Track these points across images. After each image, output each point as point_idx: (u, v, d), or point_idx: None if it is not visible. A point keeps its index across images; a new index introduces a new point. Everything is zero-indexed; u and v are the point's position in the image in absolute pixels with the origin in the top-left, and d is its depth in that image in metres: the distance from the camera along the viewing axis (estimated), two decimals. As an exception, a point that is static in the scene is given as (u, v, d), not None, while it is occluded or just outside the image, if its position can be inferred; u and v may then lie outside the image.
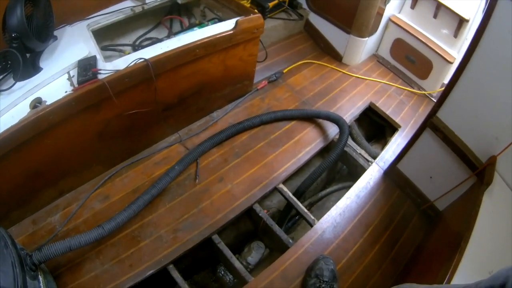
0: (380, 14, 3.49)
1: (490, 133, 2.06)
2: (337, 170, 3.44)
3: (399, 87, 3.68)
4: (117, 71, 1.92)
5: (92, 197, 2.21)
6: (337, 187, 3.08)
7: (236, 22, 2.39)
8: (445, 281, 1.58)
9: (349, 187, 2.76)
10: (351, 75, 3.61)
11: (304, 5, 3.82)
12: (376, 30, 3.64)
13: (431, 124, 2.30)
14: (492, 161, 2.05)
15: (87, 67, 1.93)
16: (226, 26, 2.39)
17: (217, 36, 2.30)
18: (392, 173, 2.82)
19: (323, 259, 2.18)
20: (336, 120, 2.87)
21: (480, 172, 2.11)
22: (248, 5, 3.11)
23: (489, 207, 1.89)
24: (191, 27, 2.69)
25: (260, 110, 2.93)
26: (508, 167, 2.02)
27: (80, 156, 2.11)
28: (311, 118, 2.99)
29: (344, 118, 2.98)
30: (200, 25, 2.65)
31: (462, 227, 1.85)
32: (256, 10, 3.11)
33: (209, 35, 2.28)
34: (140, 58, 1.98)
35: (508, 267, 1.08)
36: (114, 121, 2.10)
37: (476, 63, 1.93)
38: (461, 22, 3.38)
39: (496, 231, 1.86)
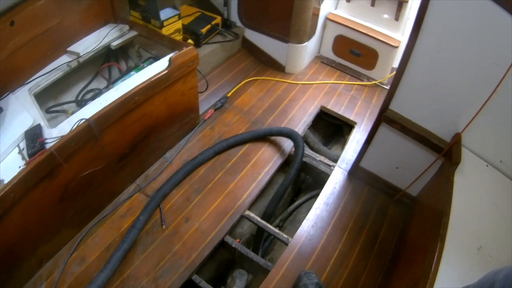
0: (316, 15, 3.69)
1: (450, 112, 2.19)
2: (301, 180, 3.62)
3: (348, 83, 3.93)
4: (62, 137, 2.04)
5: (70, 262, 2.29)
6: (305, 198, 3.26)
7: (170, 59, 2.51)
8: (434, 262, 1.67)
9: (317, 195, 2.93)
10: (297, 83, 3.83)
11: (238, 23, 4.01)
12: (314, 32, 3.86)
13: (385, 118, 2.44)
14: (457, 139, 2.19)
15: (33, 137, 2.05)
16: (161, 65, 2.52)
17: (154, 78, 2.41)
18: (357, 172, 3.01)
19: (305, 275, 2.30)
20: (289, 135, 3.06)
21: (447, 152, 2.24)
22: (181, 36, 3.28)
23: (463, 185, 2.01)
24: (128, 71, 2.83)
25: (212, 140, 3.09)
26: (475, 139, 2.17)
27: (48, 224, 2.20)
28: (264, 137, 3.17)
29: (297, 128, 3.21)
30: (137, 68, 2.79)
31: (440, 208, 1.95)
32: (190, 40, 3.35)
33: (146, 78, 2.39)
34: (82, 119, 2.09)
35: (493, 271, 1.10)
36: (72, 184, 2.21)
37: (423, 42, 2.03)
38: (401, 3, 3.61)
39: (476, 206, 1.97)
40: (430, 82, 2.18)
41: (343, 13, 4.02)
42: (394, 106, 2.40)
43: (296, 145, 3.01)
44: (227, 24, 3.95)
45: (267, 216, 2.81)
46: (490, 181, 2.14)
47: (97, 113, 2.15)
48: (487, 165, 2.20)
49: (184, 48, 2.62)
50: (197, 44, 3.56)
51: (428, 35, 1.99)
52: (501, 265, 1.65)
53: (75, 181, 2.21)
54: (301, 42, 3.73)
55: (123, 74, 2.83)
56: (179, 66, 2.57)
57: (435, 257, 1.70)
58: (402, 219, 2.81)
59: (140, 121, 2.52)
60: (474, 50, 1.92)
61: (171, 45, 2.81)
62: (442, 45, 2.00)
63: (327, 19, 3.98)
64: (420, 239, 2.23)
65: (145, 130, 2.62)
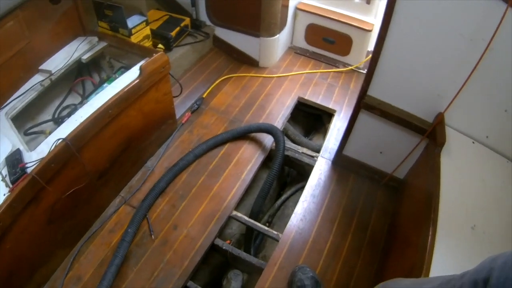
0: (285, 6, 3.75)
1: (431, 92, 2.26)
2: (285, 174, 3.70)
3: (324, 71, 4.02)
4: (42, 159, 2.07)
5: (67, 283, 2.33)
6: (291, 191, 3.33)
7: (140, 68, 2.53)
8: (428, 246, 1.72)
9: (303, 187, 3.01)
10: (272, 77, 3.91)
11: (208, 22, 4.06)
12: (285, 24, 3.92)
13: (364, 105, 2.50)
14: (440, 119, 2.26)
15: (14, 163, 2.08)
16: (132, 74, 2.56)
17: (126, 89, 2.44)
18: (340, 161, 3.08)
19: (299, 270, 2.37)
20: (268, 130, 3.13)
21: (431, 133, 2.31)
22: (150, 42, 3.33)
23: (450, 165, 2.09)
24: (101, 84, 2.85)
25: (191, 144, 3.14)
26: (459, 117, 2.25)
27: (40, 247, 2.24)
28: (244, 135, 3.24)
29: (276, 122, 3.30)
30: (109, 79, 2.82)
31: (429, 190, 2.03)
32: (160, 45, 3.41)
33: (118, 89, 2.41)
34: (59, 139, 2.12)
35: (491, 258, 1.09)
36: (58, 205, 2.21)
37: (397, 24, 2.05)
38: None
39: (466, 184, 2.04)
40: (408, 64, 2.22)
41: (313, 1, 4.08)
42: (372, 92, 2.45)
43: (276, 140, 3.08)
44: (196, 25, 4.00)
45: (255, 213, 2.87)
46: (478, 158, 2.22)
47: (73, 131, 2.17)
48: (473, 142, 2.28)
49: (154, 54, 2.64)
50: (168, 48, 3.62)
51: (401, 16, 2.01)
52: (496, 241, 1.79)
53: (60, 202, 2.25)
54: (273, 35, 3.80)
55: (96, 87, 2.86)
56: (151, 73, 2.59)
57: (429, 241, 1.75)
58: (392, 203, 2.89)
59: (118, 134, 2.56)
60: (450, 27, 1.96)
61: (141, 52, 2.82)
62: (417, 25, 2.02)
63: (297, 9, 4.05)
64: (412, 223, 2.29)
65: (124, 142, 2.65)
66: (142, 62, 2.60)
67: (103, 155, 2.52)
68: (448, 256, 1.72)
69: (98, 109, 2.30)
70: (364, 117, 2.63)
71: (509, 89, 2.00)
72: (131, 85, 2.47)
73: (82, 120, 2.24)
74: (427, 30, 2.02)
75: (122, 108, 2.47)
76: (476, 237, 1.81)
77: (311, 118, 3.98)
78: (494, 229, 1.85)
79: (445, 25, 1.96)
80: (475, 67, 1.97)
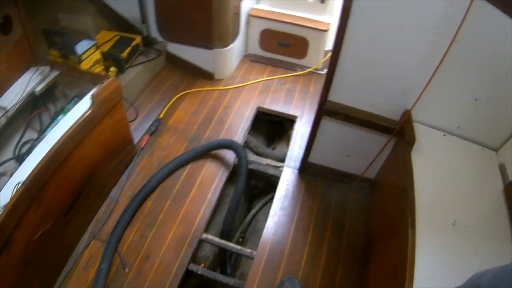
0: (237, 14, 3.80)
1: (396, 90, 2.30)
2: (252, 187, 3.71)
3: (282, 77, 4.09)
4: (5, 206, 2.04)
5: None
6: (260, 205, 3.37)
7: (92, 96, 2.51)
8: (409, 249, 1.73)
9: (272, 198, 3.05)
10: (229, 88, 3.95)
11: (160, 38, 4.07)
12: (238, 32, 3.97)
13: (326, 111, 2.53)
14: (407, 117, 2.32)
15: None
16: (85, 104, 2.52)
17: (79, 121, 2.40)
18: (307, 168, 3.13)
19: (287, 280, 2.41)
20: (229, 146, 3.18)
21: (399, 131, 2.36)
22: (102, 67, 3.32)
23: (423, 162, 2.13)
24: (56, 116, 2.82)
25: (153, 168, 3.11)
26: (428, 112, 2.31)
27: None
28: (205, 153, 3.24)
29: (236, 136, 3.36)
30: (63, 111, 2.79)
31: (403, 191, 2.05)
32: (112, 68, 3.46)
33: (72, 122, 2.38)
34: (18, 183, 2.09)
35: (478, 274, 1.11)
36: (29, 250, 2.20)
37: (356, 22, 2.03)
38: None
39: (441, 179, 2.09)
40: (369, 63, 2.23)
41: (266, 6, 4.14)
42: (333, 97, 2.47)
43: (238, 156, 3.12)
44: (148, 42, 4.03)
45: (226, 232, 2.88)
46: (450, 150, 2.29)
47: (31, 172, 2.14)
48: (444, 135, 2.36)
49: (104, 81, 2.62)
50: (121, 70, 3.63)
51: (359, 14, 2.00)
52: (480, 233, 1.86)
53: (30, 246, 2.24)
54: (226, 45, 3.84)
55: (52, 120, 2.83)
56: (103, 101, 2.58)
57: (409, 242, 1.76)
58: (365, 205, 2.96)
59: (77, 168, 2.54)
60: (412, 21, 1.97)
61: (92, 79, 2.76)
62: (377, 22, 2.03)
63: (250, 15, 4.10)
64: (389, 224, 2.35)
65: (85, 175, 2.64)
66: (93, 90, 2.57)
67: (66, 191, 2.49)
68: (433, 257, 1.75)
69: (54, 146, 2.27)
70: (327, 123, 2.67)
71: (478, 78, 2.08)
72: (84, 117, 2.45)
73: (39, 158, 2.20)
74: (388, 26, 2.03)
75: (78, 141, 2.45)
76: (459, 232, 1.86)
77: (272, 126, 4.03)
78: (476, 222, 1.91)
79: (407, 19, 1.97)
80: (441, 61, 2.00)
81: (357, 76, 2.32)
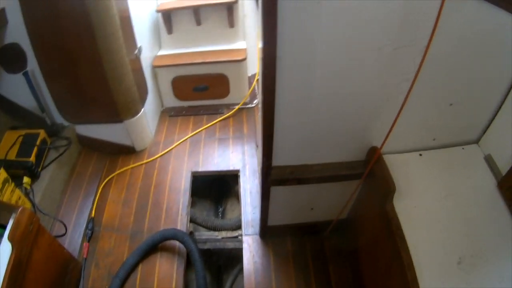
0: (137, 70, 3.44)
1: (356, 130, 2.07)
2: (217, 265, 3.37)
3: (209, 126, 3.81)
4: None
5: None
6: (230, 281, 3.07)
7: (8, 239, 2.24)
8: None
9: (240, 269, 2.85)
10: (155, 158, 3.63)
11: (65, 122, 3.69)
12: (146, 91, 3.65)
13: (273, 182, 2.28)
14: (377, 156, 2.10)
15: None
16: (5, 250, 2.23)
17: (8, 272, 2.14)
18: (269, 232, 2.89)
19: None
20: (173, 236, 2.91)
21: (370, 171, 2.16)
22: (12, 185, 2.92)
23: (408, 208, 1.96)
24: None
25: (104, 280, 2.83)
26: (397, 139, 2.07)
27: None
28: (153, 249, 2.96)
29: (178, 216, 3.11)
30: None
31: (390, 233, 1.91)
32: (25, 178, 3.12)
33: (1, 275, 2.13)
34: None
35: None
36: None
37: (286, 67, 1.67)
38: (230, 7, 3.52)
39: (431, 215, 1.93)
40: (314, 112, 1.93)
41: (170, 50, 3.90)
42: (278, 161, 2.18)
43: (185, 245, 2.85)
44: (54, 131, 3.66)
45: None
46: (432, 170, 2.14)
47: None
48: (420, 154, 2.18)
49: (14, 215, 2.34)
50: (34, 176, 3.28)
51: (287, 55, 1.63)
52: (493, 262, 1.72)
53: None
54: (136, 112, 3.49)
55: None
56: (22, 239, 2.30)
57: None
58: (345, 247, 2.78)
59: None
60: (363, 41, 1.65)
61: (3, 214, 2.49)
62: (311, 56, 1.67)
63: (154, 67, 3.81)
64: (381, 266, 2.18)
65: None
66: (7, 230, 2.30)
67: None
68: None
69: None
70: (278, 190, 2.40)
71: (452, 82, 1.89)
72: (10, 265, 2.18)
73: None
74: (327, 61, 1.69)
75: (17, 282, 2.20)
76: (467, 271, 1.71)
77: (215, 185, 3.74)
78: (483, 252, 1.76)
79: (357, 38, 1.63)
80: (412, 83, 1.73)
81: (302, 129, 2.03)
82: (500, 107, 2.01)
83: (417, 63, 1.65)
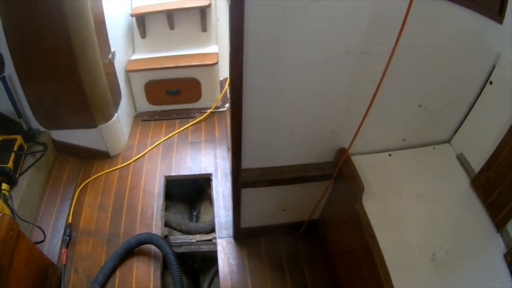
0: (112, 73, 3.48)
1: (324, 131, 2.14)
2: (193, 268, 3.43)
3: (181, 130, 3.86)
4: None
5: None
6: (207, 283, 3.13)
7: None
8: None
9: (216, 271, 2.90)
10: (128, 163, 3.67)
11: (41, 128, 3.70)
12: (120, 95, 3.69)
13: (243, 184, 2.34)
14: (345, 158, 2.15)
15: None
16: None
17: None
18: (242, 234, 2.96)
19: None
20: (148, 241, 2.97)
21: (339, 171, 2.22)
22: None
23: (378, 208, 2.02)
24: None
25: (82, 284, 2.87)
26: (365, 140, 2.16)
27: None
28: (129, 253, 3.01)
29: (153, 220, 3.17)
30: None
31: (361, 233, 1.96)
32: (4, 186, 3.11)
33: None
34: None
35: None
36: None
37: (252, 69, 1.74)
38: (204, 10, 3.60)
39: (403, 213, 2.00)
40: (282, 114, 2.01)
41: (143, 54, 3.92)
42: (248, 163, 2.27)
43: (161, 249, 2.93)
44: (30, 136, 3.66)
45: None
46: (402, 170, 2.21)
47: None
48: (390, 155, 2.26)
49: None
50: (12, 182, 3.27)
51: (254, 56, 1.70)
52: (466, 257, 1.81)
53: None
54: (110, 117, 3.53)
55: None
56: (1, 246, 2.27)
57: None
58: (318, 246, 2.86)
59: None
60: (330, 44, 1.72)
61: None
62: (277, 58, 1.74)
63: (127, 71, 3.83)
64: (354, 266, 2.23)
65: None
66: None
67: None
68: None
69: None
70: (249, 192, 2.47)
71: (420, 84, 1.97)
72: None
73: None
74: (294, 63, 1.77)
75: None
76: (441, 267, 1.78)
77: (188, 188, 3.78)
78: (456, 246, 1.84)
79: (324, 42, 1.71)
80: (379, 85, 1.76)
81: (271, 131, 2.11)
82: (472, 106, 2.09)
83: (384, 65, 1.69)
